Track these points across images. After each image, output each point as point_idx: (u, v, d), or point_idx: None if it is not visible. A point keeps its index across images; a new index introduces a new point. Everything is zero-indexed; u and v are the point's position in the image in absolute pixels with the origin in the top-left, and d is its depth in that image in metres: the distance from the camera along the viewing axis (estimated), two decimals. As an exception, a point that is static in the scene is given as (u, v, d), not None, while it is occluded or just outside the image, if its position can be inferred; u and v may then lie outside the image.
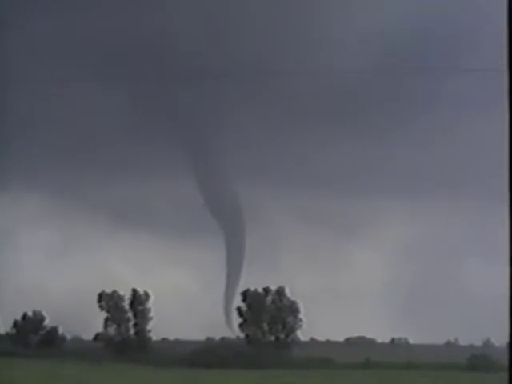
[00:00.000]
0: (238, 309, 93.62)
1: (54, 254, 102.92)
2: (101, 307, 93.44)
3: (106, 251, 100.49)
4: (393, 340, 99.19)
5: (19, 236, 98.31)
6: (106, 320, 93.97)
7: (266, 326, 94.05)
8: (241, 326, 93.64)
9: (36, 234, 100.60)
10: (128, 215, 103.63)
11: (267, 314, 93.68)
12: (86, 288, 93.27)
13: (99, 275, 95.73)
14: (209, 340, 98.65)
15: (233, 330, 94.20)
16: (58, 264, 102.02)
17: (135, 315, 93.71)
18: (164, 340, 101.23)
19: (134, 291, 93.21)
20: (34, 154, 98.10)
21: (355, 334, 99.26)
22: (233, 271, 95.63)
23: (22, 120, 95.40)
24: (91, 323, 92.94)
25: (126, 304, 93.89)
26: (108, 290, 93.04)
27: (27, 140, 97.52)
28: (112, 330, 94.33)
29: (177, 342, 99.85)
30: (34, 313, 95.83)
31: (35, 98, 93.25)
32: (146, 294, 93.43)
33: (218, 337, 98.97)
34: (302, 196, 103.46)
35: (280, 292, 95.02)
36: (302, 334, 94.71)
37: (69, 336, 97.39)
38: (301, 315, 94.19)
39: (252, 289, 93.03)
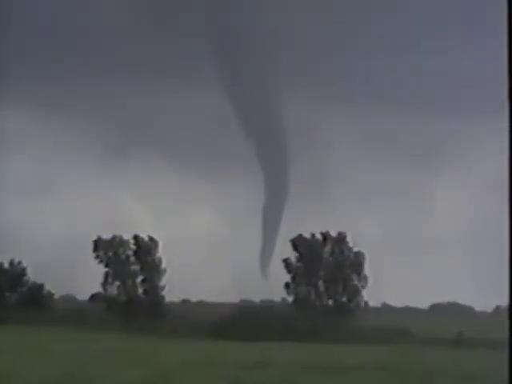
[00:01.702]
0: (286, 261, 69.27)
1: (40, 186, 78.98)
2: (98, 257, 69.51)
3: (108, 183, 75.92)
4: (498, 308, 73.80)
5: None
6: (107, 275, 70.09)
7: (321, 286, 69.70)
8: (288, 285, 69.36)
9: (19, 158, 76.19)
10: (139, 134, 78.73)
11: (324, 268, 69.21)
12: (81, 232, 69.65)
13: (98, 216, 71.72)
14: (244, 303, 74.44)
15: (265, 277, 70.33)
16: (44, 199, 77.97)
17: (142, 268, 69.81)
18: (185, 302, 77.51)
19: (136, 237, 69.47)
20: (23, 55, 73.73)
21: (444, 299, 74.00)
22: (272, 212, 71.78)
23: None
24: (87, 278, 68.99)
25: (132, 253, 70.03)
26: (107, 236, 69.23)
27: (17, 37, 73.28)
28: (114, 287, 70.52)
29: (201, 304, 75.87)
30: (12, 263, 71.92)
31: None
32: (152, 240, 69.59)
33: (256, 299, 74.76)
34: (365, 115, 78.87)
35: (340, 240, 70.60)
36: (371, 298, 70.51)
37: (57, 295, 73.14)
38: (367, 272, 70.02)
39: (306, 236, 68.74)
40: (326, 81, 78.29)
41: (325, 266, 69.48)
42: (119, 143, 79.37)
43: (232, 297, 70.38)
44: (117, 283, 70.25)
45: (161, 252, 69.80)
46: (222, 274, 70.67)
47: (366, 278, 70.37)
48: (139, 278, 70.50)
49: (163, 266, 70.17)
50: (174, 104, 75.08)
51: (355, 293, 69.79)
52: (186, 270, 69.59)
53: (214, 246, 73.44)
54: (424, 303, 74.97)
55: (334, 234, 70.64)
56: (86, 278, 67.97)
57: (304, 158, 74.21)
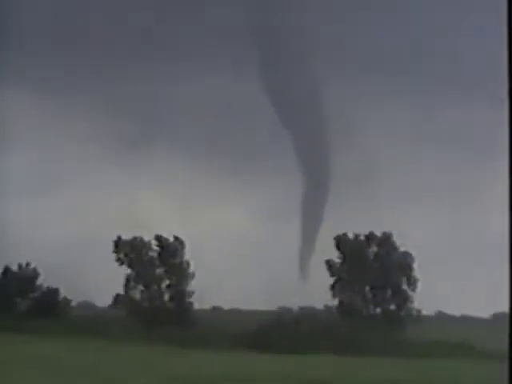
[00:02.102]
0: (328, 263, 62.36)
1: (48, 181, 72.90)
2: (119, 260, 63.07)
3: (125, 177, 69.46)
4: None
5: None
6: (128, 278, 63.63)
7: (368, 291, 62.75)
8: (333, 286, 62.53)
9: (23, 151, 70.17)
10: (157, 123, 72.22)
11: (370, 271, 62.22)
12: (95, 233, 63.39)
13: (115, 214, 65.28)
14: (282, 310, 67.69)
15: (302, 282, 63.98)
16: (53, 196, 71.90)
17: (167, 272, 63.27)
18: (216, 310, 70.95)
19: (160, 238, 63.15)
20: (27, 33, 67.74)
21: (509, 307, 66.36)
22: (311, 209, 65.49)
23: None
24: (105, 283, 62.52)
25: (155, 255, 63.60)
26: (127, 236, 62.87)
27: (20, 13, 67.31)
28: (137, 292, 64.06)
29: (234, 312, 69.50)
30: (20, 266, 65.70)
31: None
32: (178, 240, 63.08)
33: (294, 306, 67.87)
34: (415, 103, 71.86)
35: (386, 241, 63.64)
36: (423, 305, 63.24)
37: (74, 301, 66.79)
38: (419, 276, 62.95)
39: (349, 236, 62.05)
40: (371, 76, 71.52)
41: (370, 268, 62.68)
42: (136, 132, 73.13)
43: (268, 304, 63.75)
44: (140, 287, 63.98)
45: (188, 254, 63.39)
46: (256, 279, 64.04)
47: (415, 280, 63.40)
48: (165, 283, 64.13)
49: (191, 269, 63.71)
50: (201, 89, 68.56)
51: (405, 299, 62.76)
52: (217, 274, 63.25)
53: (248, 248, 66.93)
54: (486, 312, 67.34)
55: (378, 233, 64.14)
56: (103, 283, 61.78)
57: (347, 150, 67.40)
